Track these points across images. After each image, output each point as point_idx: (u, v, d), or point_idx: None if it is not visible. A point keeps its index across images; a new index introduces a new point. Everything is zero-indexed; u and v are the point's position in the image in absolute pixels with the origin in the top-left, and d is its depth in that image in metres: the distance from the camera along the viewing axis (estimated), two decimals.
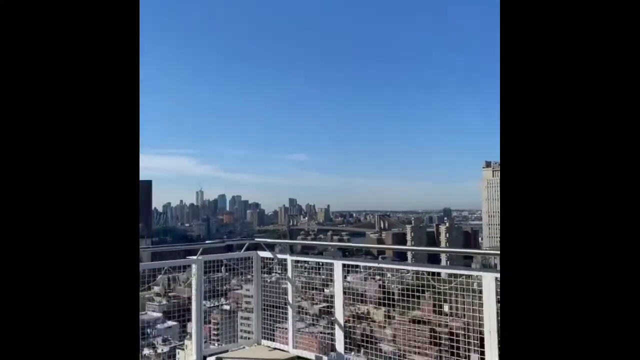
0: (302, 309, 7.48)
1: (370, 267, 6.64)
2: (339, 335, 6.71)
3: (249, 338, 7.67)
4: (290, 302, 7.38)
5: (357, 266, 6.81)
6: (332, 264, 6.89)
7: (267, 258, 7.95)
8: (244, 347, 7.51)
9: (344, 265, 6.75)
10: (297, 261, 7.60)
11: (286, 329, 7.39)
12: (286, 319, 7.39)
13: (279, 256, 7.84)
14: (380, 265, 6.45)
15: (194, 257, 7.02)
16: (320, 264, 7.47)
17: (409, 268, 6.34)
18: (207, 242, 8.03)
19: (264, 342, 7.63)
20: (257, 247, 8.01)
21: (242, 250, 7.95)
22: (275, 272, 7.95)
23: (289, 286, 7.49)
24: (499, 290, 4.56)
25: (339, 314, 6.75)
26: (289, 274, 7.49)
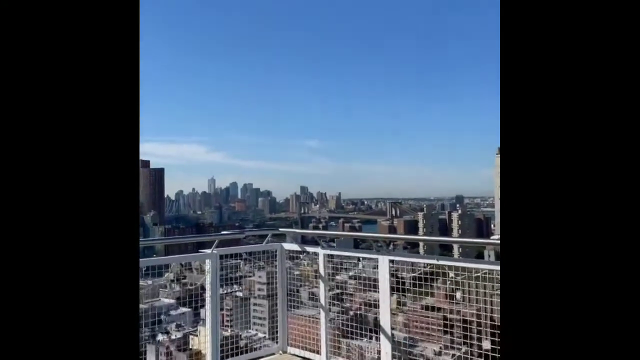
0: (341, 310, 6.30)
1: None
2: (386, 346, 5.39)
3: (274, 339, 6.70)
4: (323, 304, 6.20)
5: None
6: (375, 260, 5.56)
7: (294, 251, 6.91)
8: (272, 354, 6.55)
9: (391, 262, 5.47)
10: (331, 256, 6.34)
11: (317, 334, 6.27)
12: (316, 322, 6.29)
13: (309, 249, 6.69)
14: (441, 262, 5.13)
15: (208, 251, 6.03)
16: (359, 259, 6.21)
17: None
18: (224, 232, 7.08)
19: (291, 349, 6.68)
20: (268, 238, 7.08)
21: (265, 242, 6.98)
22: (302, 265, 6.99)
23: (322, 286, 6.29)
24: None
25: (385, 320, 5.40)
26: (321, 270, 6.32)
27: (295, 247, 6.93)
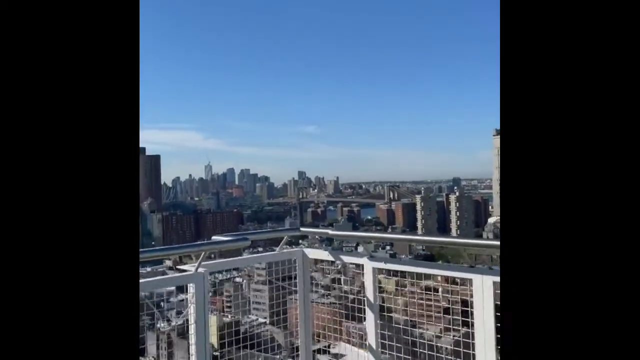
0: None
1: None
2: None
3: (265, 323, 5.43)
4: (374, 346, 4.18)
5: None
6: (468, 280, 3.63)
7: (323, 261, 4.70)
8: None
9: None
10: (389, 272, 4.24)
11: None
12: None
13: (347, 259, 4.48)
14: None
15: (190, 270, 3.90)
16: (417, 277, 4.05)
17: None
18: (217, 239, 4.17)
19: None
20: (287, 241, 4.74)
21: (279, 248, 4.65)
22: (335, 285, 5.00)
23: (370, 318, 4.20)
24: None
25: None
26: (369, 295, 4.18)
27: (324, 254, 4.57)
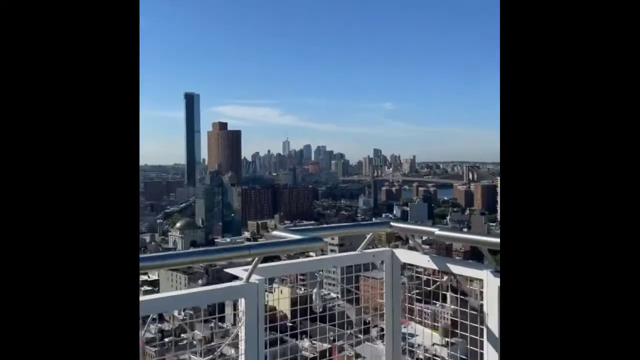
0: None
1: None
2: None
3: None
4: None
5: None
6: None
7: (419, 267, 3.41)
8: None
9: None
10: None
11: None
12: None
13: (459, 270, 3.15)
14: None
15: (239, 282, 2.89)
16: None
17: None
18: (277, 236, 3.11)
19: None
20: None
21: (360, 248, 3.52)
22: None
23: (489, 350, 2.90)
24: None
25: None
26: (492, 326, 2.87)
27: (422, 259, 3.38)
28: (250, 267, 2.85)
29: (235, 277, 2.96)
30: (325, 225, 3.71)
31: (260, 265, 2.91)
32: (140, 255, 2.20)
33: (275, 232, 3.21)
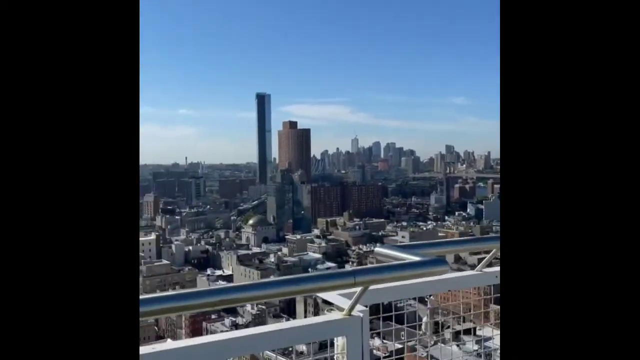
0: None
1: None
2: None
3: None
4: None
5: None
6: None
7: None
8: None
9: None
10: None
11: None
12: None
13: None
14: None
15: (337, 316, 2.20)
16: None
17: None
18: (382, 254, 2.44)
19: None
20: None
21: (480, 266, 3.03)
22: None
23: None
24: None
25: None
26: None
27: None
28: (354, 295, 2.16)
29: (327, 303, 2.28)
30: (440, 240, 3.17)
31: (362, 299, 2.18)
32: (229, 284, 2.02)
33: (379, 249, 2.51)
